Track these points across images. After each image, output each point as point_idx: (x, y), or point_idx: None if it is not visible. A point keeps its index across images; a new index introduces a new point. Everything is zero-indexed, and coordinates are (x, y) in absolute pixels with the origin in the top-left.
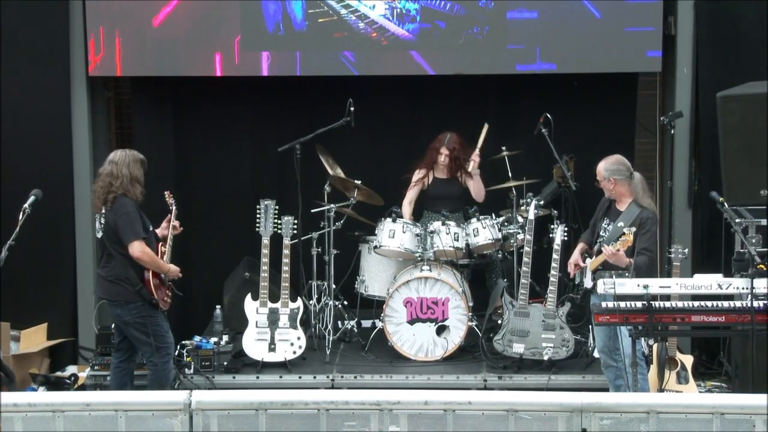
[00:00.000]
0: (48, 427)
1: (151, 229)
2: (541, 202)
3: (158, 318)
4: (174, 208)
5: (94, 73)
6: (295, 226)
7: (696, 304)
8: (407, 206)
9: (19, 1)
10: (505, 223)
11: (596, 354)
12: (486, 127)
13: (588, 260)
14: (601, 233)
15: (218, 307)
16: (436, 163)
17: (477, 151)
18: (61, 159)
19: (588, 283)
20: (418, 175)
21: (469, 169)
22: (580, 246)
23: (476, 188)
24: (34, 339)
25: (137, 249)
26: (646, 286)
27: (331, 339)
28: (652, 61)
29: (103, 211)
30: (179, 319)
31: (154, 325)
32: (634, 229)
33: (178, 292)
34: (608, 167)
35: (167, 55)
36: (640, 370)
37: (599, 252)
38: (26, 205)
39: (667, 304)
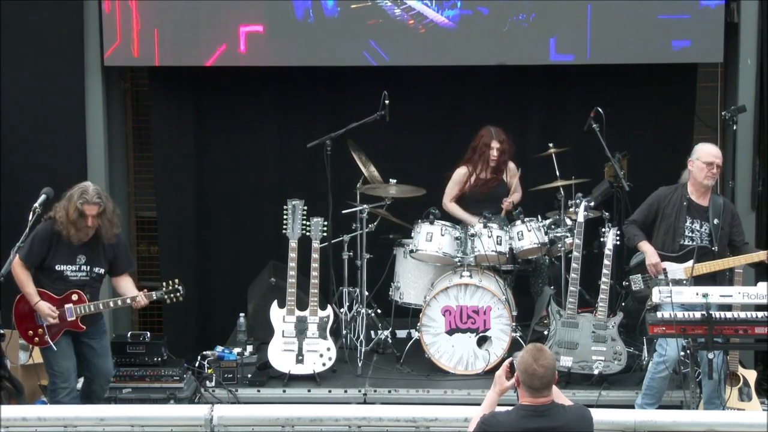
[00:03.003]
0: None
1: (59, 269)
2: (592, 204)
3: (47, 350)
4: (160, 294)
5: (110, 62)
6: (325, 228)
7: (760, 314)
8: (454, 204)
9: None
10: (552, 226)
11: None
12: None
13: (676, 265)
14: (686, 234)
15: (242, 315)
16: (486, 159)
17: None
18: (75, 155)
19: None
20: (461, 171)
21: (504, 207)
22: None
23: (517, 198)
24: None
25: (15, 260)
26: (705, 295)
27: (363, 350)
28: (714, 51)
29: None
30: (200, 328)
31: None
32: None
33: (53, 346)
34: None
35: (187, 43)
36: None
37: (685, 256)
38: (37, 205)
39: (729, 314)
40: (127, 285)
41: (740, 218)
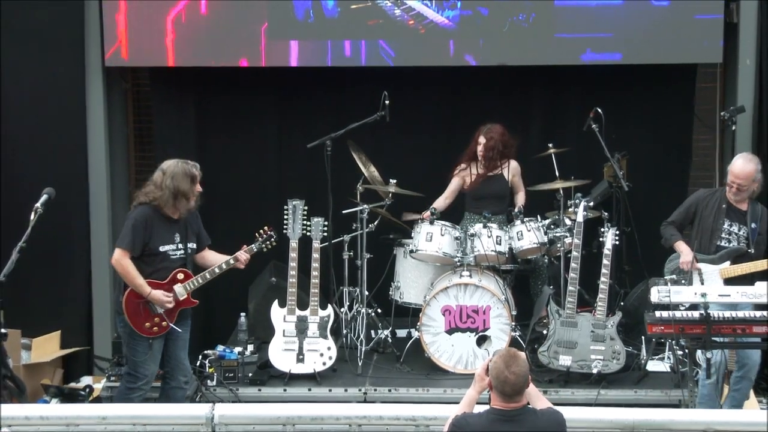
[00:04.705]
0: None
1: (162, 249)
2: (591, 204)
3: (136, 341)
4: (257, 245)
5: (111, 63)
6: (326, 228)
7: (758, 314)
8: (442, 199)
9: None
10: (552, 226)
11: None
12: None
13: (712, 266)
14: (723, 235)
15: (243, 314)
16: (477, 155)
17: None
18: (76, 155)
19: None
20: (458, 168)
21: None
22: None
23: (521, 200)
24: (47, 348)
25: (114, 255)
26: (704, 295)
27: (363, 349)
28: (713, 51)
29: None
30: (201, 328)
31: (130, 348)
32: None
33: (176, 328)
34: (758, 167)
35: (189, 44)
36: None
37: (720, 258)
38: (38, 205)
39: (727, 313)
40: (215, 255)
41: None
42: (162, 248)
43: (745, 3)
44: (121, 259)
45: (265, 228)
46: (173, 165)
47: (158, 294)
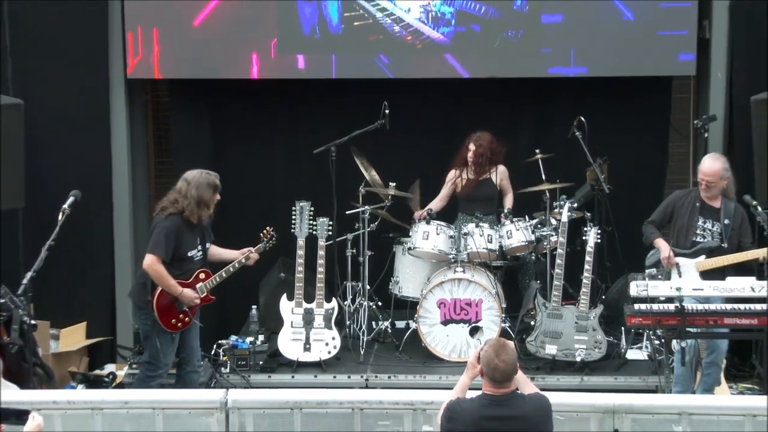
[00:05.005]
0: (87, 425)
1: (189, 254)
2: (575, 205)
3: (160, 335)
4: (263, 245)
5: (133, 75)
6: (330, 228)
7: (729, 306)
8: (437, 201)
9: (58, 2)
10: (539, 226)
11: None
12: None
13: (689, 260)
14: (698, 232)
15: (254, 307)
16: (467, 161)
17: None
18: (100, 160)
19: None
20: (450, 174)
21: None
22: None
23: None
24: (73, 338)
25: (147, 261)
26: (679, 289)
27: (365, 339)
28: (687, 65)
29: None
30: (216, 320)
31: (152, 340)
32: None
33: (197, 322)
34: (725, 165)
35: (204, 58)
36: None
37: (696, 252)
38: (65, 206)
39: (700, 306)
40: (218, 250)
41: (748, 223)
42: (190, 253)
43: (717, 20)
44: (155, 264)
45: (267, 229)
46: (197, 176)
47: (189, 293)
